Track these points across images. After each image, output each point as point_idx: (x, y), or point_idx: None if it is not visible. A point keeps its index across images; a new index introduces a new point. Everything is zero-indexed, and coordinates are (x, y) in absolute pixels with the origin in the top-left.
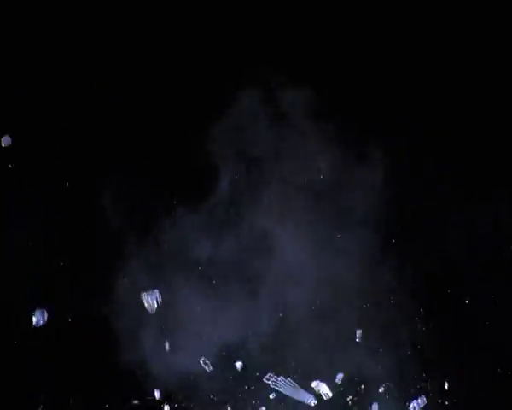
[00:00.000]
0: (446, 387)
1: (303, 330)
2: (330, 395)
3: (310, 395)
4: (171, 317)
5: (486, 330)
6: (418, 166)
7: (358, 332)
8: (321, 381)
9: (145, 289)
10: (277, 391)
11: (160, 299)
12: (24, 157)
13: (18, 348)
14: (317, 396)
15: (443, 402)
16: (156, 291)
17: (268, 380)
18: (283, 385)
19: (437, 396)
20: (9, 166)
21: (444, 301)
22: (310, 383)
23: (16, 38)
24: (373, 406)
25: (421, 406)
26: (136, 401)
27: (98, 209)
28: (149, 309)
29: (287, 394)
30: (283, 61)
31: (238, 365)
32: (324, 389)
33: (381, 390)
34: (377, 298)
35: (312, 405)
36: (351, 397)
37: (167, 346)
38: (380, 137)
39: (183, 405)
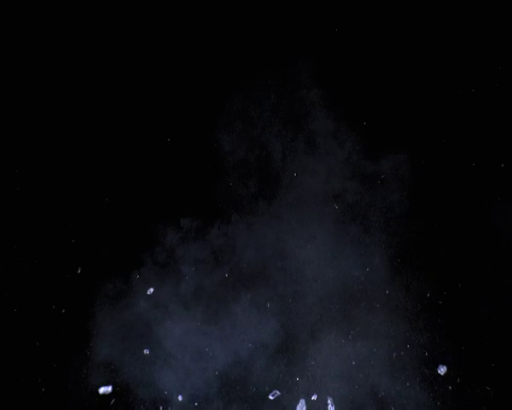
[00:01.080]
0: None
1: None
2: None
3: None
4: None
5: (486, 331)
6: (419, 166)
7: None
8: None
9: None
10: None
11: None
12: (24, 157)
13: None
14: None
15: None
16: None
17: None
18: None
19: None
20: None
21: (444, 301)
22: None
23: (16, 37)
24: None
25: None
26: None
27: (97, 212)
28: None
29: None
30: (285, 62)
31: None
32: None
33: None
34: (377, 299)
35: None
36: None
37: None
38: (379, 136)
39: None
